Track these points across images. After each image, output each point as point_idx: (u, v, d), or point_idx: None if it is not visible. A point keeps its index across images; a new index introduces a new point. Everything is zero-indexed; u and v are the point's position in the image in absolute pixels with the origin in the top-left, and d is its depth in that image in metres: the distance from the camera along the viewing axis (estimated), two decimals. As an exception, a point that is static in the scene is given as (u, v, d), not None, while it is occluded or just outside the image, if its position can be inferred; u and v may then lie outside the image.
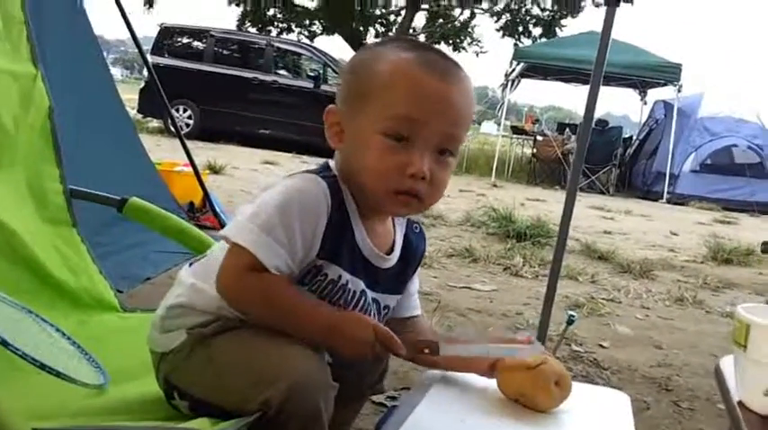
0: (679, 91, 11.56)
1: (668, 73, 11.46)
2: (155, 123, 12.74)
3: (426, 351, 1.06)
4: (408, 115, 1.02)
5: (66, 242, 1.74)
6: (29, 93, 1.73)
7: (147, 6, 16.35)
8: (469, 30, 18.93)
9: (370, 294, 1.11)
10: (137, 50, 4.26)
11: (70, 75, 2.64)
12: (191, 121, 12.05)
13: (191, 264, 1.18)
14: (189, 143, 4.30)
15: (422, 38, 18.47)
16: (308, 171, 1.08)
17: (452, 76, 1.05)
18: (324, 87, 12.19)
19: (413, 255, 1.18)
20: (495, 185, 10.45)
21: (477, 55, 19.40)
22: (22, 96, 1.71)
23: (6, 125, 1.64)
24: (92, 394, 1.24)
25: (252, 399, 0.94)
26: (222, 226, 4.21)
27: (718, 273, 4.84)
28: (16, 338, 1.20)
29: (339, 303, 1.07)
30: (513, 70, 12.66)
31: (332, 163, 1.10)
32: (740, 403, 0.92)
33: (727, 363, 1.04)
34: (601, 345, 2.88)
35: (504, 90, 13.37)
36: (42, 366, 1.19)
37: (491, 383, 1.14)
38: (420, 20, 18.77)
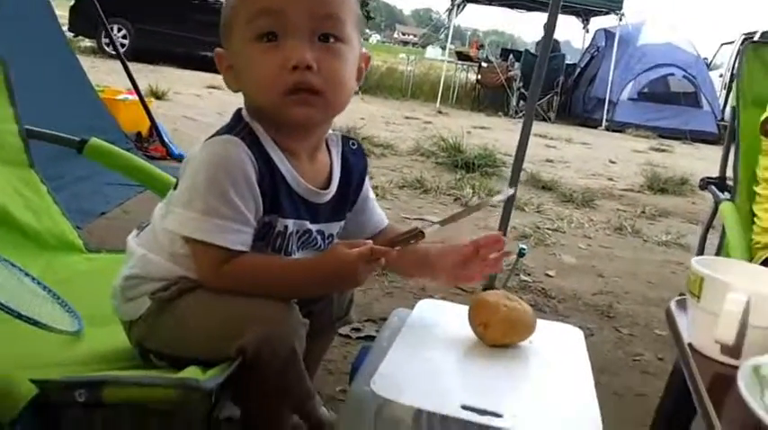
0: (620, 20, 11.69)
1: (611, 1, 11.57)
2: (87, 43, 12.14)
3: (413, 242, 1.08)
4: (266, 7, 1.00)
5: (25, 183, 1.70)
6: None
7: None
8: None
9: (314, 228, 1.12)
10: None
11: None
12: (125, 41, 11.51)
13: (138, 232, 1.17)
14: (124, 64, 4.12)
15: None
16: (222, 130, 1.05)
17: None
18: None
19: (351, 177, 1.17)
20: (440, 112, 10.46)
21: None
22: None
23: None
24: (67, 341, 1.24)
25: (228, 348, 0.97)
26: (170, 155, 4.14)
27: (654, 202, 5.06)
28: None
29: (288, 251, 1.09)
30: (460, -6, 12.50)
31: (244, 110, 1.08)
32: (689, 345, 1.00)
33: (676, 306, 1.13)
34: (547, 275, 3.02)
35: (449, 14, 13.21)
36: (19, 316, 1.18)
37: (462, 321, 1.20)
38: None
